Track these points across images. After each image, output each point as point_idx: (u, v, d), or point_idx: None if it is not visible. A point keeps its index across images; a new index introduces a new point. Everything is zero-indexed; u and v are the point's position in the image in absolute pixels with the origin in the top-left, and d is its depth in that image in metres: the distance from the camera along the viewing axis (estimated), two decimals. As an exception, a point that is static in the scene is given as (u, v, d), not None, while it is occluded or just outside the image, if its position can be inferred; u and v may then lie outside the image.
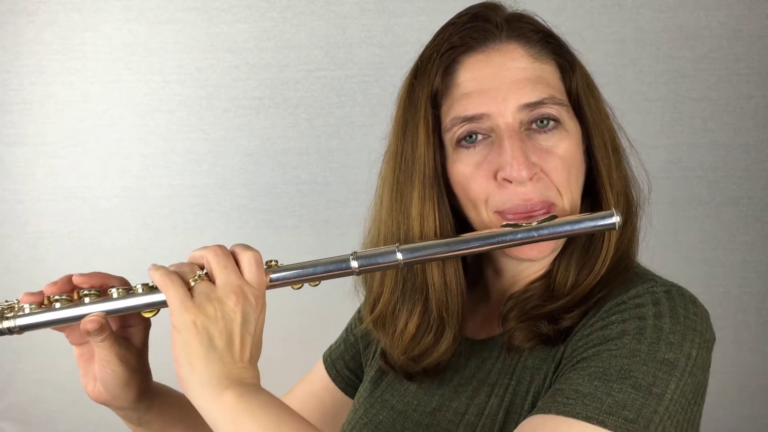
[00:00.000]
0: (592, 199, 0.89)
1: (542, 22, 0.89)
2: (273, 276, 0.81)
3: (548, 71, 0.86)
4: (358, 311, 1.10)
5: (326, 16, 1.71)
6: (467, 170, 0.85)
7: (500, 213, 0.84)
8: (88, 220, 1.78)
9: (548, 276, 0.89)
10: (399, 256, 0.81)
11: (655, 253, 1.00)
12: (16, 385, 1.83)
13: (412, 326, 0.90)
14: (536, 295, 0.87)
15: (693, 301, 0.80)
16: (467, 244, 0.82)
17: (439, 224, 0.87)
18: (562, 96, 0.86)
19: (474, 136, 0.84)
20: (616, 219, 0.81)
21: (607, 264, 0.85)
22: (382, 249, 0.82)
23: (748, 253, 1.72)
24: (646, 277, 0.84)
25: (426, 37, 0.92)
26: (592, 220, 0.81)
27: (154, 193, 1.78)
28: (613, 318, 0.77)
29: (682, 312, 0.77)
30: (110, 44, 1.74)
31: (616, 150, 0.89)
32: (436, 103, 0.87)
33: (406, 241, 0.86)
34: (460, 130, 0.84)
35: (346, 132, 1.74)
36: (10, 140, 1.77)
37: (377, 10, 1.70)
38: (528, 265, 0.90)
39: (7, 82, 1.75)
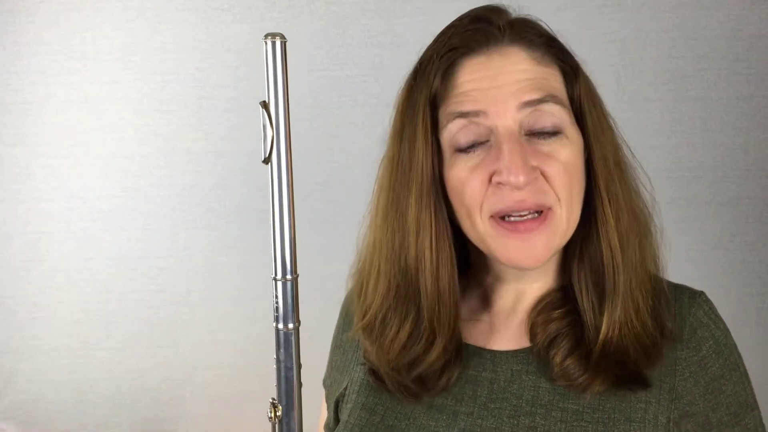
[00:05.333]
0: (587, 216, 0.85)
1: (546, 28, 0.86)
2: None
3: (551, 74, 0.82)
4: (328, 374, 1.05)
5: (326, 16, 1.71)
6: (462, 174, 0.81)
7: (493, 217, 0.81)
8: (88, 220, 1.78)
9: (562, 295, 0.87)
10: None
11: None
12: (16, 385, 1.82)
13: (403, 335, 0.85)
14: (568, 327, 0.84)
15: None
16: None
17: (436, 233, 0.83)
18: (564, 99, 0.83)
19: (474, 145, 0.81)
20: None
21: (626, 285, 0.83)
22: None
23: (748, 253, 1.72)
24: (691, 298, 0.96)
25: (426, 38, 0.91)
26: None
27: (154, 193, 1.77)
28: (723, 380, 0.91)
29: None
30: (110, 44, 1.74)
31: (619, 164, 0.85)
32: (434, 105, 0.83)
33: (402, 250, 0.84)
34: (455, 128, 0.81)
35: (346, 132, 1.74)
36: (10, 140, 1.76)
37: (377, 10, 1.70)
38: (529, 274, 0.87)
39: (7, 82, 1.75)
